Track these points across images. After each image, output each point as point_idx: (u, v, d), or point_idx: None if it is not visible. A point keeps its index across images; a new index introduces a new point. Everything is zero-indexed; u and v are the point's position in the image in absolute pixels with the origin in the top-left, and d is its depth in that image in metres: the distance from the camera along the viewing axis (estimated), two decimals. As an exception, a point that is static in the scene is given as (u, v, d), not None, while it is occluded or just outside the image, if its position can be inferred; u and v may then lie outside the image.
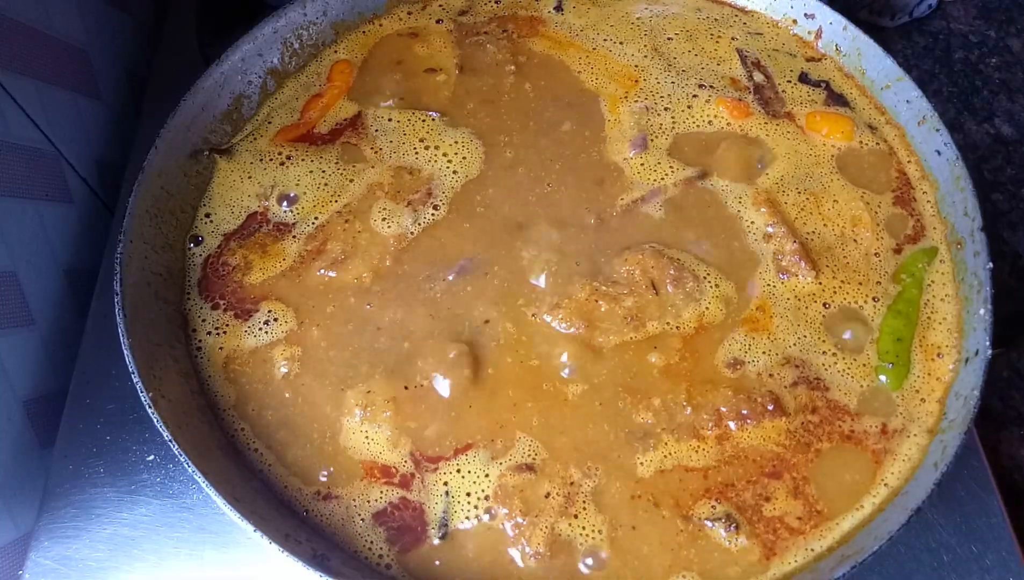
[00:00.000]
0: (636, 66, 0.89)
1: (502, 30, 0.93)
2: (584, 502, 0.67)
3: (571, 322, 0.74)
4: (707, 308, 0.75)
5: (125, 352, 0.66)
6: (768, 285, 0.76)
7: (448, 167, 0.83)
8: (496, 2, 0.96)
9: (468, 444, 0.69)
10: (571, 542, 0.66)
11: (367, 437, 0.70)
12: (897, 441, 0.69)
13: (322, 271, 0.77)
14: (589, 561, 0.65)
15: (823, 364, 0.72)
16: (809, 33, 0.91)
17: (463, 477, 0.68)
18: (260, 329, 0.75)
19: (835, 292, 0.76)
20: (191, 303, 0.77)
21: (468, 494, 0.67)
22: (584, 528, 0.66)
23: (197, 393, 0.72)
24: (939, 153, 0.80)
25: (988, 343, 0.68)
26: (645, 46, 0.91)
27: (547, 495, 0.67)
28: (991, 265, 0.71)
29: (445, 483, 0.68)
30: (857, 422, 0.70)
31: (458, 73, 0.90)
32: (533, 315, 0.75)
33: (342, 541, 0.67)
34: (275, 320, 0.75)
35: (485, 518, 0.67)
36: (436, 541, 0.66)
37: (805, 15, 0.90)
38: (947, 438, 0.66)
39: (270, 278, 0.77)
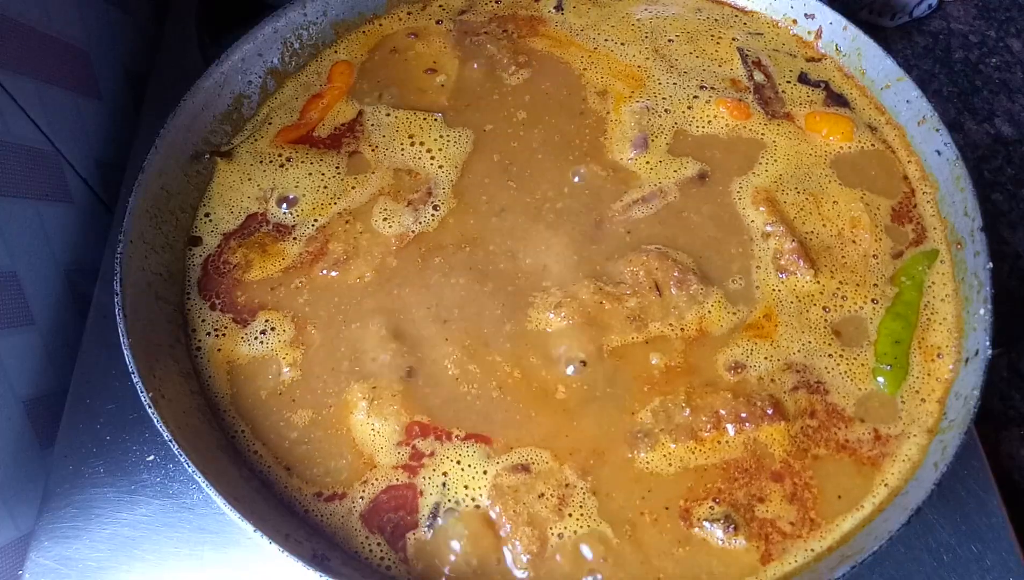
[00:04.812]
0: (639, 66, 0.89)
1: (502, 30, 0.93)
2: (580, 503, 0.67)
3: (573, 321, 0.74)
4: (709, 311, 0.75)
5: (125, 352, 0.66)
6: (773, 289, 0.76)
7: (432, 162, 0.83)
8: (496, 2, 0.96)
9: (468, 436, 0.70)
10: (565, 543, 0.66)
11: (373, 429, 0.70)
12: (896, 442, 0.69)
13: (324, 271, 0.77)
14: (583, 561, 0.65)
15: (826, 367, 0.72)
16: (809, 33, 0.91)
17: (462, 471, 0.68)
18: (256, 338, 0.75)
19: (834, 293, 0.76)
20: (191, 303, 0.77)
21: (466, 488, 0.68)
22: (579, 529, 0.66)
23: (197, 393, 0.72)
24: (939, 153, 0.80)
25: (988, 343, 0.68)
26: (646, 47, 0.91)
27: (541, 495, 0.67)
28: (991, 265, 0.71)
29: (444, 476, 0.68)
30: (854, 426, 0.70)
31: (458, 73, 0.89)
32: (534, 314, 0.75)
33: (342, 540, 0.67)
34: (272, 330, 0.75)
35: (481, 517, 0.67)
36: (431, 536, 0.66)
37: (805, 15, 0.90)
38: (947, 438, 0.66)
39: (270, 278, 0.77)
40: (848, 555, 0.62)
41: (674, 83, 0.88)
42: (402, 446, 0.70)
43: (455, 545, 0.66)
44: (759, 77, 0.88)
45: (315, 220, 0.80)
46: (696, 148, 0.84)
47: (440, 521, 0.67)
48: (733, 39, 0.91)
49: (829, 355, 0.73)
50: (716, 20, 0.93)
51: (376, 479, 0.68)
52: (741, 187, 0.81)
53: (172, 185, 0.78)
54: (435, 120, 0.85)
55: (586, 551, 0.65)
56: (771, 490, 0.67)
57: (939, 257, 0.77)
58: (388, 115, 0.86)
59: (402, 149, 0.84)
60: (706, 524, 0.66)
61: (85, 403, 0.82)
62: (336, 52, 0.91)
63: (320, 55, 0.91)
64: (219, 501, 0.61)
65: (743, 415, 0.69)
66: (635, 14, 0.94)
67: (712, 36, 0.92)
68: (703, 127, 0.85)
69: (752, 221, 0.79)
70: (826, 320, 0.74)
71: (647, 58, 0.90)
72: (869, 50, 0.85)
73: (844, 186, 0.81)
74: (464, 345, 0.73)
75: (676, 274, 0.75)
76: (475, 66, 0.90)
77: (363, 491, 0.68)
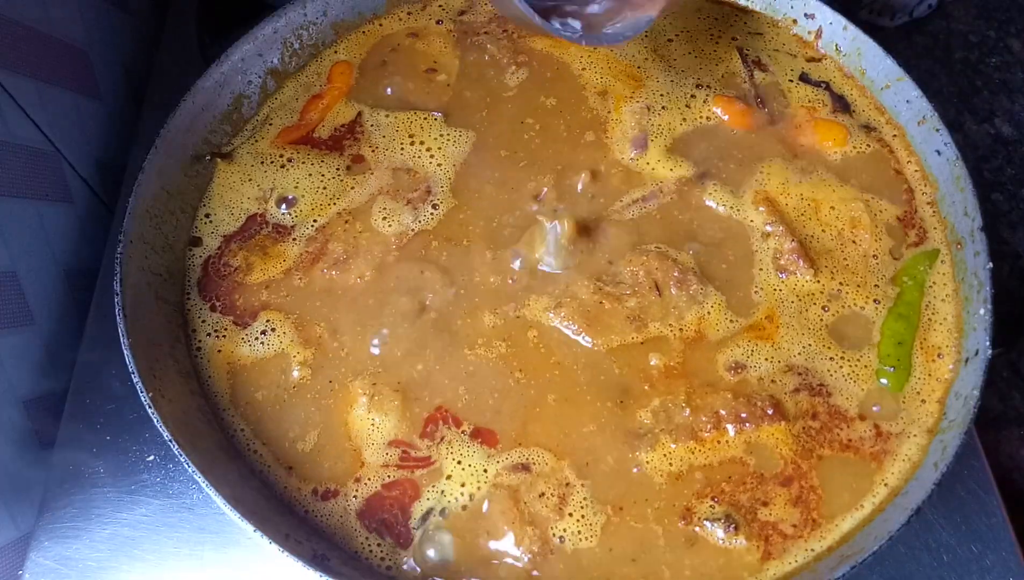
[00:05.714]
0: (638, 66, 0.89)
1: (502, 30, 0.93)
2: (580, 502, 0.67)
3: (573, 321, 0.74)
4: (709, 311, 0.75)
5: (125, 352, 0.66)
6: (774, 289, 0.76)
7: (432, 161, 0.83)
8: (496, 2, 0.96)
9: (468, 433, 0.70)
10: (565, 542, 0.66)
11: (372, 424, 0.70)
12: (896, 442, 0.69)
13: (324, 271, 0.77)
14: (583, 561, 0.65)
15: (828, 370, 0.72)
16: (809, 33, 0.91)
17: (463, 471, 0.68)
18: (257, 339, 0.75)
19: (835, 294, 0.75)
20: (191, 303, 0.77)
21: (463, 487, 0.68)
22: (579, 528, 0.66)
23: (197, 393, 0.72)
24: (939, 153, 0.79)
25: (988, 343, 0.68)
26: (646, 47, 0.91)
27: (542, 495, 0.67)
28: (991, 265, 0.71)
29: (445, 477, 0.68)
30: (856, 425, 0.70)
31: (458, 73, 0.89)
32: (533, 313, 0.75)
33: (342, 540, 0.67)
34: (272, 330, 0.75)
35: (481, 517, 0.67)
36: (429, 535, 0.66)
37: (805, 15, 0.90)
38: (947, 438, 0.66)
39: (271, 279, 0.77)
40: (848, 555, 0.62)
41: (672, 81, 0.88)
42: (401, 443, 0.70)
43: (455, 544, 0.66)
44: (759, 77, 0.88)
45: (314, 220, 0.80)
46: (696, 148, 0.84)
47: (440, 516, 0.67)
48: (733, 39, 0.91)
49: (831, 358, 0.73)
50: (716, 19, 0.93)
51: (371, 476, 0.68)
52: (741, 187, 0.81)
53: (172, 185, 0.78)
54: (435, 120, 0.85)
55: (584, 550, 0.65)
56: (777, 494, 0.67)
57: (939, 257, 0.77)
58: (388, 115, 0.86)
59: (402, 149, 0.84)
60: (706, 523, 0.66)
61: (85, 403, 0.82)
62: (336, 52, 0.91)
63: (320, 55, 0.91)
64: (219, 501, 0.61)
65: (743, 415, 0.69)
66: (635, 14, 0.94)
67: (712, 36, 0.92)
68: (703, 126, 0.85)
69: (752, 221, 0.79)
70: (826, 321, 0.74)
71: (646, 58, 0.90)
72: (869, 50, 0.85)
73: (844, 187, 0.81)
74: (464, 343, 0.73)
75: (676, 274, 0.75)
76: (475, 66, 0.90)
77: (357, 489, 0.68)
